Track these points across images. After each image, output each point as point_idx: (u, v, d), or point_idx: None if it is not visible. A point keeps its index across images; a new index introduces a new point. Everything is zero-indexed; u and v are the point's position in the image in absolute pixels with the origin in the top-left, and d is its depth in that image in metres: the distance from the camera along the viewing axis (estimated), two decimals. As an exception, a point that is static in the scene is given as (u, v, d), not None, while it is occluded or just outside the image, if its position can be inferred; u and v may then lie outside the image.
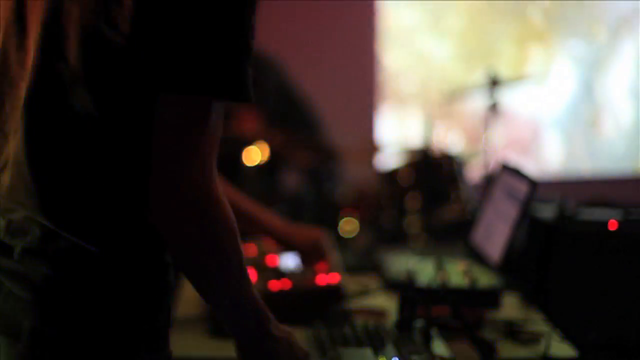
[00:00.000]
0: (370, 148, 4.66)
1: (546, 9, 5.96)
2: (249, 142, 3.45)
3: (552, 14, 5.99)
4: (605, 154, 5.92)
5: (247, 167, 3.45)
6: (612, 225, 2.03)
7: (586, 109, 5.93)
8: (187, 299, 2.15)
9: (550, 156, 5.98)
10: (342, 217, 3.42)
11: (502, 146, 4.40)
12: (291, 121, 4.27)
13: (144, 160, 1.23)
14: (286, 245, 2.24)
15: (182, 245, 1.26)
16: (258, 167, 3.44)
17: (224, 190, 1.27)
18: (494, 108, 3.54)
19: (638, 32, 5.82)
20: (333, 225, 3.28)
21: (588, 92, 5.91)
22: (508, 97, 3.76)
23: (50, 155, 1.27)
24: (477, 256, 2.36)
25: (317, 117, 4.46)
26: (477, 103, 3.88)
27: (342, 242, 3.09)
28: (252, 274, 2.05)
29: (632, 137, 5.90)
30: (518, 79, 4.20)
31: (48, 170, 1.27)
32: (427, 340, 1.66)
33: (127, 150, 1.26)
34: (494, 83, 3.53)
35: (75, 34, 1.25)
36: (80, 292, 1.26)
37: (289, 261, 2.22)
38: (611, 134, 5.94)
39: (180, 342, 1.73)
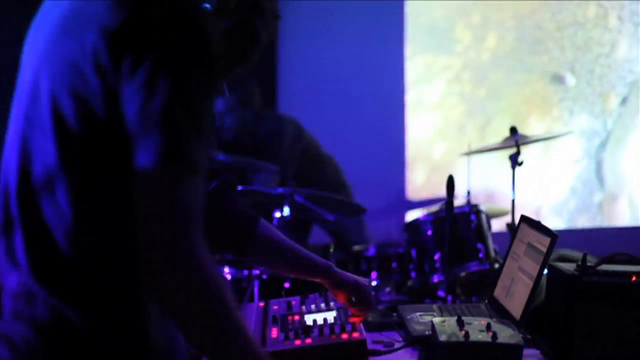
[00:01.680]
0: (396, 203, 4.71)
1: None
2: (279, 198, 3.49)
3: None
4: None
5: (277, 219, 3.49)
6: (634, 277, 2.03)
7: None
8: None
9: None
10: (368, 272, 3.44)
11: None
12: (315, 178, 4.34)
13: (127, 238, 1.29)
14: (336, 288, 2.17)
15: (174, 314, 1.29)
16: (287, 222, 3.48)
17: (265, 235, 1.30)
18: (517, 161, 3.56)
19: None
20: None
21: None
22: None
23: (43, 227, 1.32)
24: (499, 311, 2.37)
25: (343, 175, 4.53)
26: (501, 159, 3.90)
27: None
28: (274, 332, 2.07)
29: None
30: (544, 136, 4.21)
31: (40, 240, 1.32)
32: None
33: (108, 228, 1.31)
34: (517, 138, 3.56)
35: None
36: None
37: (314, 316, 2.22)
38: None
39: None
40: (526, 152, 3.61)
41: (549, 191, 5.84)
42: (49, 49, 1.34)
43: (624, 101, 5.76)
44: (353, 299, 2.16)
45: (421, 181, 5.99)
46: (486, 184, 5.46)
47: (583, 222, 5.72)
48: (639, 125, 5.71)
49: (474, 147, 3.93)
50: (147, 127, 1.24)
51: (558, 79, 5.94)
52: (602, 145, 5.80)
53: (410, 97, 6.09)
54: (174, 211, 1.24)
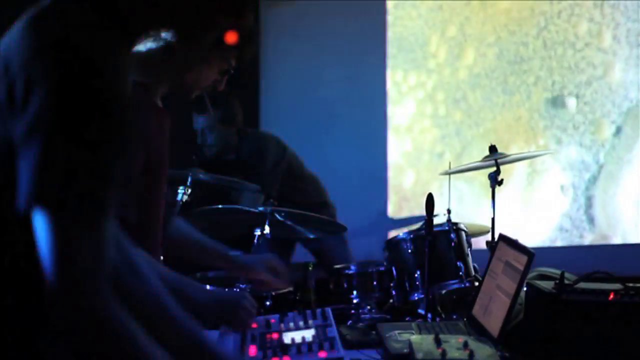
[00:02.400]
0: (377, 221, 4.71)
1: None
2: (260, 216, 3.50)
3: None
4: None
5: (257, 237, 3.49)
6: (611, 295, 2.05)
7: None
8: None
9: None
10: (349, 291, 3.44)
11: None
12: (298, 197, 4.34)
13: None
14: (241, 270, 2.59)
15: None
16: (269, 240, 3.48)
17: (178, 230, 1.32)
18: (497, 180, 3.58)
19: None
20: (341, 298, 3.30)
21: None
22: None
23: None
24: (478, 329, 2.37)
25: (326, 195, 4.54)
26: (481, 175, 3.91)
27: (346, 316, 3.09)
28: (253, 350, 2.08)
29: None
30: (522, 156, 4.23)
31: None
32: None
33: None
34: (496, 157, 3.58)
35: None
36: None
37: (292, 334, 2.23)
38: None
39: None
40: (508, 186, 3.57)
41: (534, 230, 5.41)
42: None
43: (618, 131, 5.34)
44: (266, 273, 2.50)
45: (390, 210, 5.68)
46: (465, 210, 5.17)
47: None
48: (635, 158, 5.31)
49: (454, 167, 3.94)
50: (24, 168, 1.22)
51: (557, 102, 5.47)
52: (593, 179, 5.37)
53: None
54: (65, 263, 1.20)
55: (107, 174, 1.23)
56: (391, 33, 5.74)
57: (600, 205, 5.37)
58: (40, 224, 1.21)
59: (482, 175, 3.64)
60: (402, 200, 5.68)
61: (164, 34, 1.51)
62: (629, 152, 5.29)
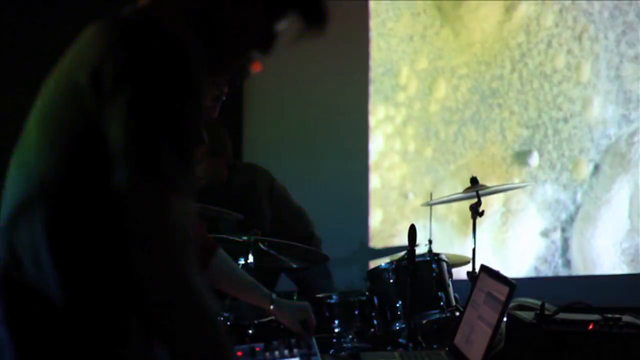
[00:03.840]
0: (359, 251, 4.74)
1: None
2: (243, 245, 3.52)
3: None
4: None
5: (241, 266, 3.50)
6: (591, 325, 2.09)
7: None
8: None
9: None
10: (331, 320, 3.46)
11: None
12: (285, 230, 4.34)
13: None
14: (279, 311, 2.53)
15: (175, 342, 1.35)
16: (253, 269, 3.50)
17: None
18: (478, 211, 3.63)
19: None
20: (323, 327, 3.32)
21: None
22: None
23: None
24: (459, 358, 2.40)
25: (313, 228, 4.54)
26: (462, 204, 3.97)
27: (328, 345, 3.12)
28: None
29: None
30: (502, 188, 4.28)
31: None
32: None
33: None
34: (476, 187, 3.63)
35: None
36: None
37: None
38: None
39: None
40: (482, 226, 3.56)
41: (507, 273, 5.13)
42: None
43: (596, 170, 5.11)
44: (297, 323, 2.49)
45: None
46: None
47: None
48: (613, 198, 5.09)
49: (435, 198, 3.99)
50: (124, 148, 1.32)
51: (533, 138, 5.27)
52: (570, 220, 5.15)
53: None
54: (160, 234, 1.31)
55: (196, 148, 1.41)
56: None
57: (577, 247, 5.19)
58: (146, 195, 1.31)
59: (455, 213, 3.68)
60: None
61: None
62: (606, 192, 5.09)
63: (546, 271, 5.20)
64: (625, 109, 5.17)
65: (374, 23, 5.64)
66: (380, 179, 5.57)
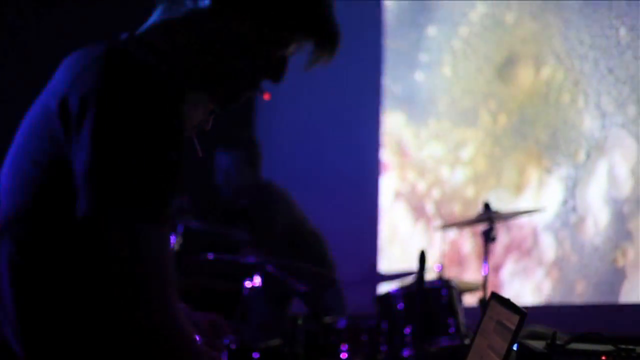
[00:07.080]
0: (371, 277, 4.67)
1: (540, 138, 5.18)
2: (250, 267, 3.48)
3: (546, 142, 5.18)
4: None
5: (249, 290, 3.46)
6: (603, 358, 2.04)
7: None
8: None
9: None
10: (338, 345, 3.41)
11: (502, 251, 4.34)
12: (296, 250, 4.29)
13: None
14: None
15: None
16: (263, 292, 3.46)
17: None
18: (490, 237, 3.59)
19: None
20: (330, 352, 3.28)
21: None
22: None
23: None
24: (468, 388, 2.34)
25: (328, 251, 4.48)
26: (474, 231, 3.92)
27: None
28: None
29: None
30: (514, 213, 4.22)
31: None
32: None
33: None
34: (490, 213, 3.58)
35: None
36: None
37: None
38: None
39: None
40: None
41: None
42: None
43: None
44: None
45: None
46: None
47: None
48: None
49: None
50: (88, 177, 1.28)
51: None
52: None
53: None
54: (127, 267, 1.27)
55: (171, 176, 1.32)
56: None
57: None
58: (111, 225, 1.27)
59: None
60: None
61: None
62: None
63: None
64: None
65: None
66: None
